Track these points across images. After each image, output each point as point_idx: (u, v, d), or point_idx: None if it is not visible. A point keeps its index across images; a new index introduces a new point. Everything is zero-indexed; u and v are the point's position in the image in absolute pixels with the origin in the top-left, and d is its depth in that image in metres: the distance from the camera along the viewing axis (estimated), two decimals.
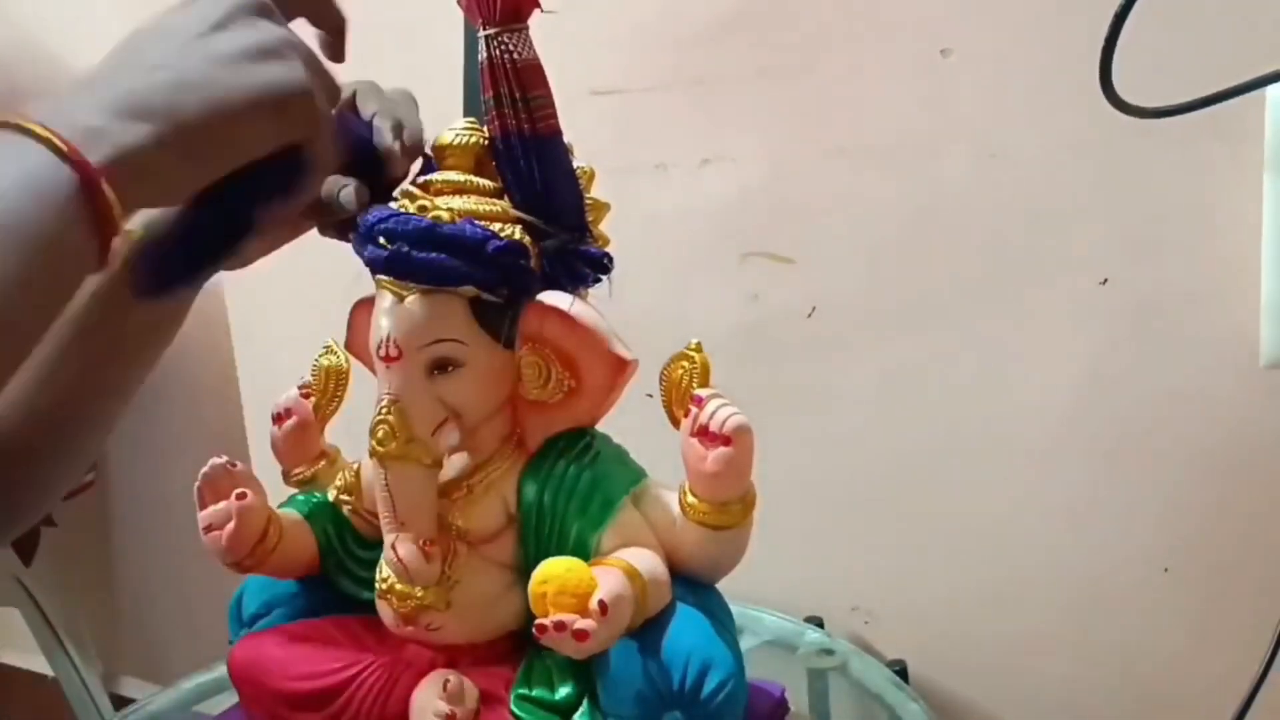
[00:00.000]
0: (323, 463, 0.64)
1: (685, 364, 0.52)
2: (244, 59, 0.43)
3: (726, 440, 0.49)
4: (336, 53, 0.53)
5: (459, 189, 0.53)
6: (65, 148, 0.38)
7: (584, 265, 0.54)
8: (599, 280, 0.55)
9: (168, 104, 0.41)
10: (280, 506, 0.61)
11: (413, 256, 0.51)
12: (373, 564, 0.57)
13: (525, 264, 0.52)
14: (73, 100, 0.41)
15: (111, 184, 0.39)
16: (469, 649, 0.55)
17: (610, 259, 0.54)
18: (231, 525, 0.55)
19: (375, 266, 0.53)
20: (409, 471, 0.52)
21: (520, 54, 0.51)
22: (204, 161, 0.43)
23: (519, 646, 0.55)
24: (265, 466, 0.64)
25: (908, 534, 0.82)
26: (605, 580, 0.47)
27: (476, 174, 0.54)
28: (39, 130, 0.38)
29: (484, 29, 0.52)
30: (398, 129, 0.53)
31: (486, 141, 0.53)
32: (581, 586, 0.46)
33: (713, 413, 0.50)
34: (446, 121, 0.55)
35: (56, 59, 1.05)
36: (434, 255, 0.51)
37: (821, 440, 0.83)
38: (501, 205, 0.53)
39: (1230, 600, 0.72)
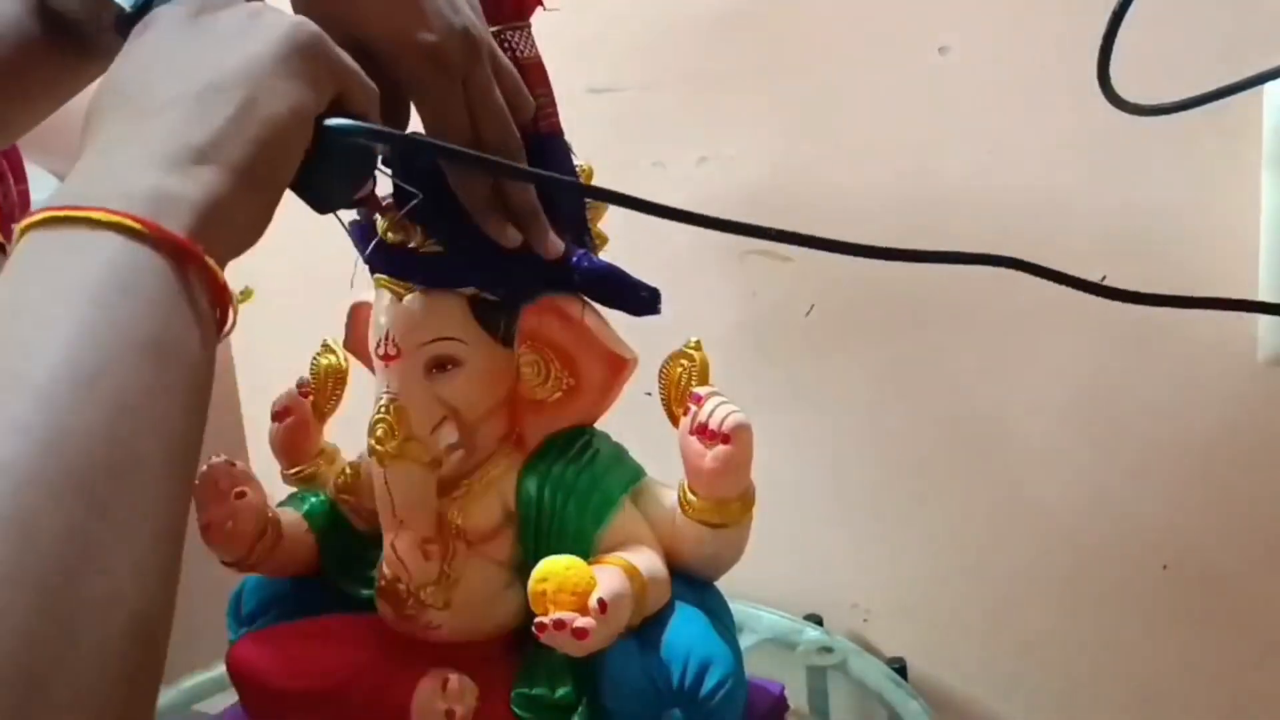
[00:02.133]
0: (321, 461, 0.64)
1: (684, 362, 0.52)
2: (243, 34, 0.38)
3: (725, 438, 0.49)
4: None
5: None
6: (143, 228, 0.32)
7: None
8: None
9: (214, 136, 0.35)
10: (279, 505, 0.61)
11: (413, 255, 0.50)
12: (372, 563, 0.57)
13: (526, 263, 0.52)
14: (111, 159, 0.34)
15: (208, 250, 0.33)
16: (468, 647, 0.55)
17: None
18: (230, 524, 0.55)
19: (375, 265, 0.53)
20: (408, 470, 0.52)
21: (523, 52, 0.51)
22: (271, 182, 0.38)
23: (518, 645, 0.55)
24: (264, 465, 0.64)
25: (907, 532, 0.82)
26: (604, 578, 0.47)
27: None
28: (102, 216, 0.32)
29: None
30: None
31: None
32: (581, 585, 0.46)
33: (712, 411, 0.50)
34: None
35: None
36: (434, 254, 0.51)
37: (820, 438, 0.83)
38: None
39: (1230, 598, 0.72)
